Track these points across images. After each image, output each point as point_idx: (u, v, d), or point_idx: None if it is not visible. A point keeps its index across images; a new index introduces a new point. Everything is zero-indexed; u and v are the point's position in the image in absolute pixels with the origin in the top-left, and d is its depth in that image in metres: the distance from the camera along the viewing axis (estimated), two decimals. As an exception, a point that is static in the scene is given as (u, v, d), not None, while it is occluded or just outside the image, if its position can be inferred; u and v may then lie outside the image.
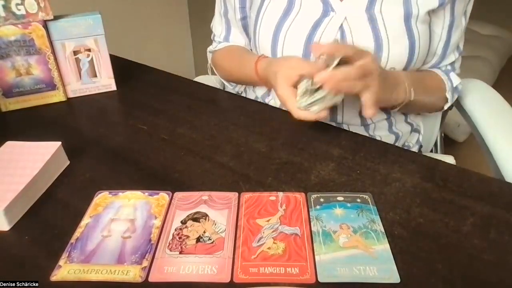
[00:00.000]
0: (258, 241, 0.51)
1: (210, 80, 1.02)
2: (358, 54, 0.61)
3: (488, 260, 0.48)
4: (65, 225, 0.54)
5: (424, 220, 0.54)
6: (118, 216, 0.55)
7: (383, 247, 0.50)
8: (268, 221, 0.54)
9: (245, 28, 0.89)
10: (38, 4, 0.75)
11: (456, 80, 0.83)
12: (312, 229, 0.53)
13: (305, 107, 0.63)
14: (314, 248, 0.50)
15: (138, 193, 0.59)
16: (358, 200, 0.57)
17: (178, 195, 0.59)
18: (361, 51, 0.62)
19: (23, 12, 0.75)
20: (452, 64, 0.84)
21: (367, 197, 0.57)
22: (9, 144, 0.65)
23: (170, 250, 0.50)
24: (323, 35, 0.73)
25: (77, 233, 0.53)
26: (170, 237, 0.52)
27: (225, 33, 0.93)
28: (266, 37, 0.78)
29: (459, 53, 0.83)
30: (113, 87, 0.88)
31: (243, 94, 0.97)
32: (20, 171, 0.58)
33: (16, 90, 0.80)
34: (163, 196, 0.58)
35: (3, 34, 0.76)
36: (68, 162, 0.65)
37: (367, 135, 0.82)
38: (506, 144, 0.76)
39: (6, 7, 0.74)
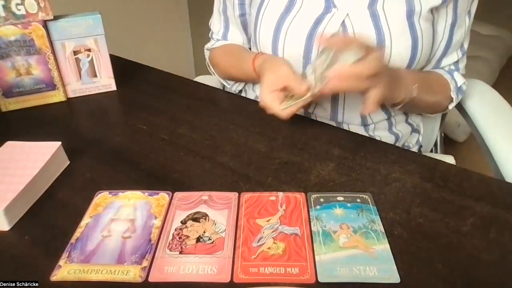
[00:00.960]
0: (258, 241, 0.51)
1: (210, 80, 1.02)
2: (369, 49, 0.60)
3: (488, 260, 0.48)
4: (65, 225, 0.54)
5: (424, 220, 0.54)
6: (118, 216, 0.55)
7: (383, 247, 0.50)
8: (268, 221, 0.54)
9: (244, 25, 0.89)
10: (38, 4, 0.75)
11: (460, 80, 0.83)
12: (312, 229, 0.52)
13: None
14: (314, 248, 0.50)
15: (138, 193, 0.59)
16: (358, 200, 0.57)
17: (178, 195, 0.59)
18: (370, 47, 0.60)
19: (23, 12, 0.75)
20: (455, 63, 0.83)
21: (367, 197, 0.57)
22: (9, 144, 0.65)
23: (170, 250, 0.50)
24: (324, 32, 0.73)
25: (77, 233, 0.53)
26: (170, 237, 0.52)
27: (223, 31, 0.92)
28: (267, 34, 0.78)
29: (463, 53, 0.83)
30: (113, 87, 0.88)
31: (243, 94, 0.97)
32: (20, 171, 0.58)
33: (16, 90, 0.80)
34: (163, 196, 0.58)
35: (3, 34, 0.76)
36: (68, 162, 0.65)
37: (367, 135, 0.82)
38: (506, 144, 0.76)
39: (6, 7, 0.74)
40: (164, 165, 0.65)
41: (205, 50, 0.99)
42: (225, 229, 0.53)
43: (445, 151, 1.04)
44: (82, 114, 0.83)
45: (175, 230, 0.53)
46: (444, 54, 0.81)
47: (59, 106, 0.84)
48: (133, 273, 0.47)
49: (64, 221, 0.55)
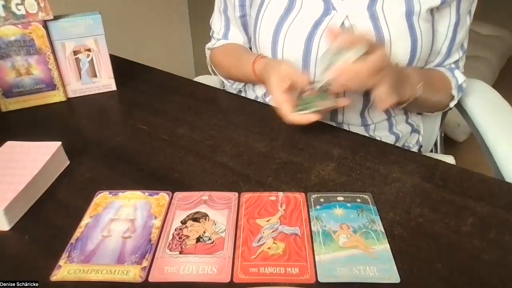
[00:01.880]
0: (258, 241, 0.51)
1: (210, 80, 1.02)
2: (372, 47, 0.59)
3: (488, 260, 0.48)
4: (65, 225, 0.54)
5: (424, 220, 0.54)
6: (118, 216, 0.55)
7: (383, 247, 0.50)
8: (268, 221, 0.54)
9: (244, 26, 0.89)
10: (38, 4, 0.75)
11: (461, 77, 0.83)
12: (312, 229, 0.53)
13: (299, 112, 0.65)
14: (314, 248, 0.50)
15: (138, 193, 0.59)
16: (358, 200, 0.57)
17: (178, 195, 0.59)
18: (375, 44, 0.60)
19: (23, 12, 0.75)
20: (456, 62, 0.83)
21: (367, 197, 0.57)
22: (9, 144, 0.65)
23: (170, 250, 0.50)
24: (324, 34, 0.73)
25: (77, 233, 0.53)
26: (170, 237, 0.52)
27: (224, 30, 0.93)
28: (266, 36, 0.78)
29: (463, 52, 0.83)
30: (113, 87, 0.88)
31: (243, 93, 0.97)
32: (20, 171, 0.58)
33: (16, 90, 0.80)
34: (163, 196, 0.58)
35: (3, 34, 0.76)
36: (68, 162, 0.65)
37: (367, 135, 0.82)
38: (506, 144, 0.76)
39: (6, 7, 0.74)
40: (164, 165, 0.65)
41: (206, 50, 0.99)
42: (225, 229, 0.53)
43: (445, 151, 1.04)
44: (82, 114, 0.83)
45: (175, 230, 0.53)
46: (448, 54, 0.81)
47: (59, 106, 0.84)
48: (133, 273, 0.47)
49: (64, 221, 0.55)
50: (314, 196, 0.58)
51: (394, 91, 0.63)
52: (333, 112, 0.80)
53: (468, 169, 0.63)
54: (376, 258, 0.49)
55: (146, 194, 0.59)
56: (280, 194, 0.58)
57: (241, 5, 0.85)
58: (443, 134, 1.06)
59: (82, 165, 0.65)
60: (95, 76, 0.86)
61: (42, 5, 0.75)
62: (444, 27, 0.77)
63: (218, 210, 0.56)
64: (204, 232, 0.53)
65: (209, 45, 0.98)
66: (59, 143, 0.64)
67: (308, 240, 0.51)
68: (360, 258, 0.49)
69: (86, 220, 0.55)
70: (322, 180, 0.61)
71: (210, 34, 0.97)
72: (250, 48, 0.92)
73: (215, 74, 0.99)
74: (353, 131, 0.74)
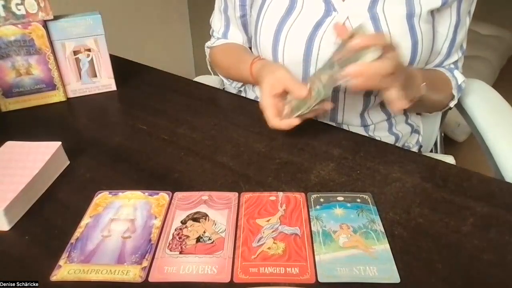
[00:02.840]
0: (258, 241, 0.51)
1: (210, 80, 1.02)
2: (390, 45, 0.59)
3: (488, 260, 0.48)
4: (65, 225, 0.54)
5: (424, 220, 0.54)
6: (118, 216, 0.55)
7: (383, 247, 0.50)
8: (268, 221, 0.54)
9: (245, 26, 0.89)
10: (38, 4, 0.75)
11: (460, 77, 0.83)
12: (312, 229, 0.52)
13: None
14: (314, 248, 0.50)
15: (138, 193, 0.59)
16: (358, 200, 0.57)
17: (178, 195, 0.59)
18: (390, 44, 0.59)
19: (23, 12, 0.75)
20: (455, 63, 0.83)
21: (367, 197, 0.57)
22: (9, 144, 0.65)
23: (170, 250, 0.50)
24: (325, 35, 0.73)
25: (77, 233, 0.53)
26: (170, 237, 0.52)
27: (224, 29, 0.93)
28: (267, 36, 0.78)
29: (462, 52, 0.83)
30: (113, 87, 0.88)
31: (243, 93, 0.97)
32: (20, 171, 0.58)
33: (16, 90, 0.80)
34: (163, 196, 0.58)
35: (3, 34, 0.76)
36: (68, 162, 0.65)
37: (367, 135, 0.82)
38: (506, 144, 0.76)
39: (6, 7, 0.74)
40: (164, 165, 0.65)
41: (205, 48, 0.99)
42: (225, 229, 0.53)
43: (445, 151, 1.04)
44: (82, 114, 0.83)
45: (175, 230, 0.53)
46: (448, 55, 0.81)
47: (59, 106, 0.84)
48: (133, 273, 0.47)
49: (64, 221, 0.55)
50: (314, 196, 0.58)
51: (405, 93, 0.62)
52: (333, 112, 0.80)
53: (468, 169, 0.63)
54: (376, 258, 0.49)
55: (146, 194, 0.59)
56: (280, 194, 0.58)
57: (241, 5, 0.85)
58: (443, 134, 1.06)
59: (82, 165, 0.65)
60: (95, 76, 0.86)
61: (42, 5, 0.75)
62: (444, 27, 0.77)
63: (218, 210, 0.56)
64: (204, 232, 0.53)
65: (208, 43, 0.98)
66: (59, 143, 0.64)
67: (308, 240, 0.51)
68: (360, 258, 0.49)
69: (86, 220, 0.55)
70: (322, 180, 0.61)
71: (210, 33, 0.98)
72: (250, 48, 0.92)
73: (215, 73, 0.99)
74: (353, 131, 0.74)
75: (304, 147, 0.68)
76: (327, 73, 0.62)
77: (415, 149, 0.92)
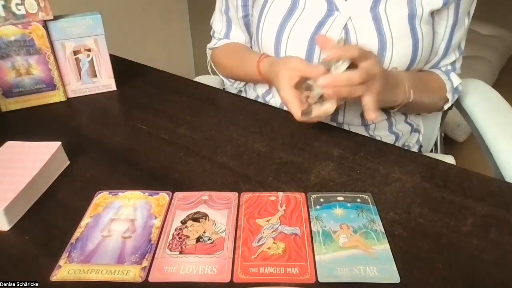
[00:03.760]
0: (258, 241, 0.51)
1: (210, 80, 1.02)
2: (363, 55, 0.61)
3: (488, 260, 0.48)
4: (65, 225, 0.54)
5: (424, 220, 0.54)
6: (118, 216, 0.55)
7: (383, 247, 0.50)
8: (268, 221, 0.54)
9: (247, 26, 0.89)
10: (38, 4, 0.75)
11: (456, 80, 0.83)
12: (312, 229, 0.53)
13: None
14: (314, 248, 0.50)
15: (138, 193, 0.59)
16: (358, 200, 0.57)
17: (178, 195, 0.59)
18: (365, 52, 0.61)
19: (23, 12, 0.75)
20: (452, 64, 0.84)
21: (367, 197, 0.57)
22: (9, 144, 0.65)
23: (170, 250, 0.50)
24: (327, 35, 0.73)
25: (77, 233, 0.53)
26: (170, 237, 0.52)
27: (225, 30, 0.92)
28: (269, 36, 0.78)
29: (460, 53, 0.83)
30: (113, 87, 0.88)
31: (243, 93, 0.97)
32: (20, 171, 0.58)
33: (16, 90, 0.80)
34: (163, 196, 0.58)
35: (3, 34, 0.76)
36: (68, 162, 0.65)
37: (367, 135, 0.82)
38: (506, 144, 0.76)
39: (6, 7, 0.74)
40: (164, 165, 0.65)
41: (207, 49, 0.99)
42: (225, 229, 0.53)
43: (445, 151, 1.04)
44: (82, 114, 0.83)
45: (175, 230, 0.53)
46: (445, 55, 0.81)
47: (59, 106, 0.84)
48: (133, 273, 0.47)
49: (64, 221, 0.55)
50: (314, 196, 0.58)
51: (382, 99, 0.64)
52: (334, 113, 0.80)
53: (468, 169, 0.63)
54: (376, 258, 0.49)
55: (146, 194, 0.59)
56: (280, 194, 0.58)
57: (243, 5, 0.85)
58: (443, 134, 1.06)
59: (82, 165, 0.65)
60: (95, 76, 0.86)
61: (42, 5, 0.75)
62: (441, 28, 0.77)
63: (218, 210, 0.56)
64: (204, 232, 0.53)
65: (210, 45, 0.98)
66: (59, 143, 0.64)
67: (308, 240, 0.51)
68: (360, 258, 0.49)
69: (86, 220, 0.55)
70: (322, 180, 0.61)
71: (211, 34, 0.97)
72: (252, 47, 0.92)
73: (214, 74, 0.99)
74: (353, 131, 0.74)
75: (304, 147, 0.68)
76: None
77: (415, 149, 0.92)
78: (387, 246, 0.50)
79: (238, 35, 0.92)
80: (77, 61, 0.83)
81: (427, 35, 0.74)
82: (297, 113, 0.64)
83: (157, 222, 0.54)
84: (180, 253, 0.50)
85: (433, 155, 0.96)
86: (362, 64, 0.60)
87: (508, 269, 0.47)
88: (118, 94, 0.87)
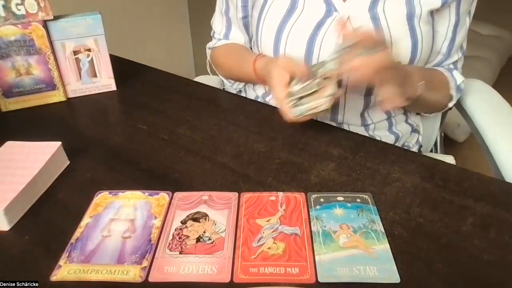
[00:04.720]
0: (258, 241, 0.51)
1: (210, 80, 1.02)
2: (381, 44, 0.59)
3: (488, 260, 0.48)
4: (65, 225, 0.54)
5: (424, 220, 0.54)
6: (118, 216, 0.55)
7: (383, 247, 0.50)
8: (268, 221, 0.54)
9: (246, 27, 0.89)
10: (38, 4, 0.75)
11: (459, 78, 0.83)
12: (312, 229, 0.52)
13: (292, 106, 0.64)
14: (314, 248, 0.50)
15: (138, 193, 0.59)
16: (358, 200, 0.57)
17: (178, 195, 0.59)
18: (380, 42, 0.60)
19: (23, 12, 0.75)
20: (454, 63, 0.83)
21: (367, 197, 0.57)
22: (9, 144, 0.65)
23: (170, 250, 0.50)
24: (325, 35, 0.73)
25: (77, 233, 0.53)
26: (170, 237, 0.52)
27: (225, 31, 0.93)
28: (268, 37, 0.78)
29: (462, 53, 0.83)
30: (113, 87, 0.88)
31: (243, 93, 0.97)
32: (20, 171, 0.58)
33: (16, 90, 0.80)
34: (163, 196, 0.58)
35: (3, 34, 0.76)
36: (68, 162, 0.65)
37: (367, 135, 0.82)
38: (506, 144, 0.76)
39: (6, 7, 0.74)
40: (164, 165, 0.65)
41: (206, 49, 0.99)
42: (225, 229, 0.53)
43: (445, 151, 1.04)
44: (82, 114, 0.83)
45: (175, 230, 0.53)
46: (448, 55, 0.81)
47: (59, 106, 0.84)
48: (133, 273, 0.47)
49: (64, 221, 0.55)
50: (314, 196, 0.58)
51: (401, 91, 0.63)
52: (334, 112, 0.80)
53: (468, 169, 0.63)
54: (376, 258, 0.49)
55: (146, 194, 0.59)
56: (280, 194, 0.58)
57: (243, 6, 0.85)
58: (443, 134, 1.06)
59: (82, 165, 0.65)
60: (95, 76, 0.86)
61: (42, 5, 0.75)
62: (443, 27, 0.77)
63: (218, 210, 0.56)
64: (204, 232, 0.53)
65: (210, 44, 0.98)
66: (59, 143, 0.64)
67: (308, 240, 0.51)
68: (360, 258, 0.49)
69: (86, 220, 0.55)
70: (322, 180, 0.61)
71: (211, 34, 0.98)
72: (251, 48, 0.92)
73: (214, 74, 0.99)
74: (353, 131, 0.74)
75: (304, 147, 0.68)
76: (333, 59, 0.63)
77: (415, 149, 0.92)
78: (387, 246, 0.50)
79: (238, 36, 0.92)
80: (77, 61, 0.83)
81: (426, 35, 0.74)
82: (290, 113, 0.63)
83: (157, 222, 0.54)
84: (180, 253, 0.50)
85: (433, 155, 0.96)
86: (379, 52, 0.58)
87: (508, 269, 0.47)
88: (118, 94, 0.87)
